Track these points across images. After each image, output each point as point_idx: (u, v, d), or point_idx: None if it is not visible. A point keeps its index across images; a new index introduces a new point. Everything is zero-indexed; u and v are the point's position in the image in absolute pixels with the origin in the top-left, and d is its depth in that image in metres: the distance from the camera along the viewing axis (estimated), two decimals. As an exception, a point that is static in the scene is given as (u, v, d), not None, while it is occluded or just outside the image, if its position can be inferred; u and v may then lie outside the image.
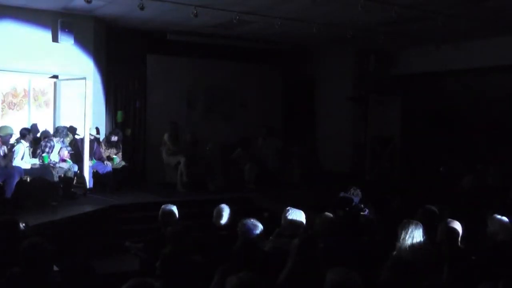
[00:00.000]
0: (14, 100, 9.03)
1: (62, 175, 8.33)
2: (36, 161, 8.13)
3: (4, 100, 9.02)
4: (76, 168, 8.63)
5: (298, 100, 12.57)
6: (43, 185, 7.86)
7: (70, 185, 8.46)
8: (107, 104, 10.29)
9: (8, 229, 4.42)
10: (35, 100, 9.31)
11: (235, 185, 10.15)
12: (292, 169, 11.22)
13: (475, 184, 8.26)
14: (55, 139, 8.41)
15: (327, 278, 3.05)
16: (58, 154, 8.42)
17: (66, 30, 8.79)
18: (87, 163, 8.75)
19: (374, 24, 9.17)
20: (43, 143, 8.37)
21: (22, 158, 7.97)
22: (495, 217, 4.88)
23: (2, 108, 8.98)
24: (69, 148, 8.69)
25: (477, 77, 11.47)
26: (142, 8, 7.46)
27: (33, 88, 9.30)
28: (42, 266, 3.59)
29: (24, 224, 4.61)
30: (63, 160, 8.46)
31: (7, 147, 7.73)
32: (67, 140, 8.82)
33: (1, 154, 7.52)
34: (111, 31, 10.01)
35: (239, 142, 10.82)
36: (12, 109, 9.04)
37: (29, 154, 8.17)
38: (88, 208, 7.78)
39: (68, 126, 9.02)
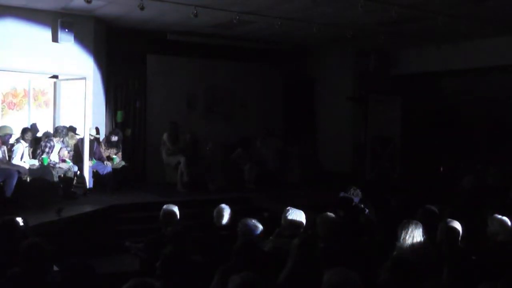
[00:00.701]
0: (14, 100, 9.02)
1: (62, 175, 8.33)
2: (36, 162, 8.12)
3: (4, 100, 9.01)
4: (76, 168, 8.63)
5: (298, 100, 12.58)
6: (43, 185, 7.85)
7: (70, 185, 8.46)
8: (107, 104, 10.29)
9: (8, 229, 4.42)
10: (35, 100, 9.31)
11: (235, 185, 10.14)
12: (292, 169, 11.23)
13: (475, 184, 8.23)
14: (55, 139, 8.41)
15: (325, 278, 3.04)
16: (58, 154, 8.42)
17: (66, 30, 8.78)
18: (87, 163, 8.74)
19: (374, 24, 9.17)
20: (43, 143, 8.36)
21: (21, 158, 7.97)
22: (495, 217, 4.88)
23: (2, 108, 8.98)
24: (68, 148, 8.69)
25: (477, 77, 11.47)
26: (142, 8, 7.46)
27: (33, 88, 9.30)
28: (42, 266, 3.59)
29: (23, 220, 4.61)
30: (63, 161, 8.45)
31: (7, 147, 7.74)
32: (72, 141, 8.82)
33: (0, 155, 7.53)
34: (111, 31, 10.01)
35: (239, 142, 10.83)
36: (12, 109, 9.03)
37: (29, 154, 8.17)
38: (88, 208, 7.78)
39: (68, 126, 9.03)
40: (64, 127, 8.80)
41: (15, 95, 9.01)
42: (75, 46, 9.09)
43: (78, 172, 8.74)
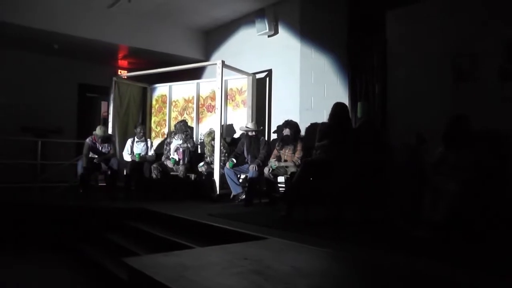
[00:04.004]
0: (213, 103, 9.06)
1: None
2: (175, 158, 8.17)
3: (204, 104, 9.31)
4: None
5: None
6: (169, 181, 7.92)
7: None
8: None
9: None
10: (232, 100, 9.01)
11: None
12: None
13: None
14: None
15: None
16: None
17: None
18: (217, 166, 7.76)
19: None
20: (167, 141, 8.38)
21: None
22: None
23: (201, 112, 9.31)
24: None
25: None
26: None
27: (230, 89, 9.05)
28: None
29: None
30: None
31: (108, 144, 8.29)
32: (208, 139, 8.18)
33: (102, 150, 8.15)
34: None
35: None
36: (211, 112, 9.16)
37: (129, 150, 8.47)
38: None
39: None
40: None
41: (213, 98, 9.08)
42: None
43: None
